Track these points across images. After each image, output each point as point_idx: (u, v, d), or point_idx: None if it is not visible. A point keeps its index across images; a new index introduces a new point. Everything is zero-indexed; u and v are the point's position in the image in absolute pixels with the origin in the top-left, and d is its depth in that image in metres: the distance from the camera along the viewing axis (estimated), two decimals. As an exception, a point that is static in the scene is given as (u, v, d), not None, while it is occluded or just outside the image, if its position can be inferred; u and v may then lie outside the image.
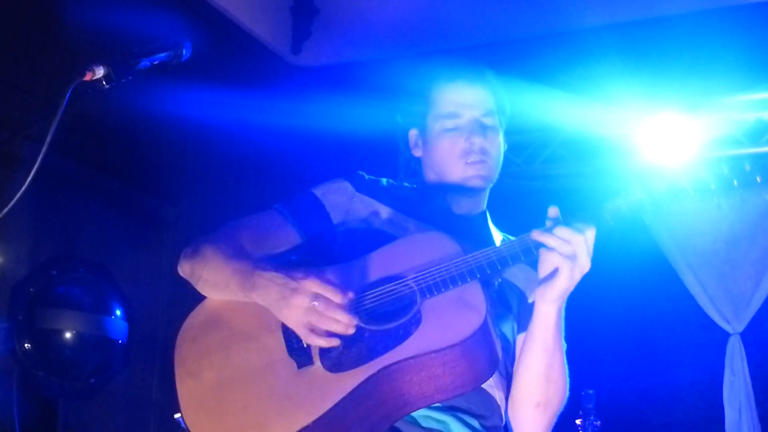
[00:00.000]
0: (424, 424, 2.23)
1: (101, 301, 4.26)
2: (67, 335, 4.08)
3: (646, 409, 5.96)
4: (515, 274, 2.43)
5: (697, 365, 5.88)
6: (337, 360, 2.15)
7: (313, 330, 2.14)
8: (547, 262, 2.20)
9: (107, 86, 2.04)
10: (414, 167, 2.66)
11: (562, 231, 2.15)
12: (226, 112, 5.75)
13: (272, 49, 6.41)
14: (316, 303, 2.12)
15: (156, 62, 2.16)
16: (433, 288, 2.16)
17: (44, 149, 1.93)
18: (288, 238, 2.46)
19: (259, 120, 5.88)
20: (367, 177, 2.58)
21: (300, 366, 2.18)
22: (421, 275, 2.18)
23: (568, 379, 2.37)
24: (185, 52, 2.21)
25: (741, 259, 5.71)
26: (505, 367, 2.36)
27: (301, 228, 2.46)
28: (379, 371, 2.10)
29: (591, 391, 5.00)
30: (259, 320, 2.25)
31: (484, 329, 2.10)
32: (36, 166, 1.93)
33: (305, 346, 2.19)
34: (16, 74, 4.29)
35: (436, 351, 2.08)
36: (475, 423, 2.29)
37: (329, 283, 2.14)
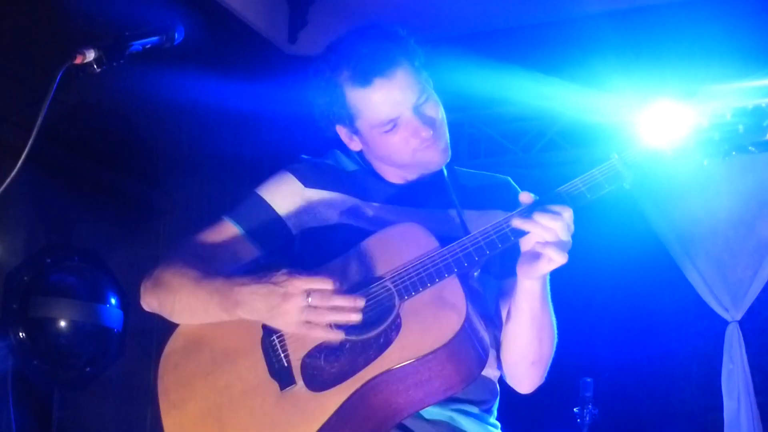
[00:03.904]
0: (428, 417, 2.18)
1: (96, 289, 4.24)
2: (62, 324, 4.06)
3: (644, 398, 5.95)
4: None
5: (695, 353, 5.87)
6: (319, 377, 2.08)
7: (314, 327, 2.05)
8: (529, 244, 2.12)
9: (98, 70, 2.00)
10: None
11: (541, 217, 2.06)
12: (221, 100, 5.73)
13: (268, 37, 6.38)
14: (310, 299, 2.03)
15: (148, 46, 2.12)
16: (411, 288, 2.08)
17: (34, 134, 1.90)
18: (245, 249, 2.37)
19: (255, 109, 5.86)
20: (311, 163, 2.46)
21: (283, 387, 2.10)
22: (398, 275, 2.11)
23: (555, 329, 2.31)
24: (177, 36, 2.17)
25: (739, 248, 5.71)
26: (494, 338, 2.31)
27: (255, 237, 2.37)
28: (362, 386, 2.03)
29: (589, 380, 5.00)
30: (238, 339, 2.18)
31: (465, 329, 2.02)
32: (26, 151, 1.90)
33: (286, 365, 2.13)
34: (4, 58, 4.26)
35: (418, 359, 2.00)
36: (475, 410, 2.26)
37: (315, 274, 2.06)
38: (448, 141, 2.40)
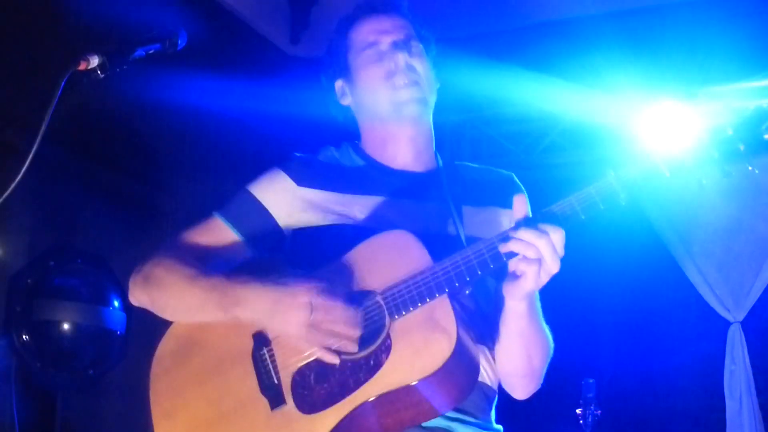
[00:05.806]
0: (424, 424, 2.15)
1: (99, 292, 4.25)
2: (65, 326, 4.07)
3: (647, 399, 5.96)
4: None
5: (697, 354, 5.87)
6: (309, 397, 2.07)
7: (313, 343, 2.06)
8: (515, 264, 2.07)
9: (102, 76, 2.01)
10: (350, 128, 2.53)
11: (525, 234, 2.01)
12: (224, 102, 5.74)
13: (270, 39, 6.39)
14: (312, 316, 2.03)
15: (151, 51, 2.12)
16: (402, 307, 2.05)
17: (38, 139, 1.91)
18: (236, 247, 2.34)
19: (257, 110, 5.87)
20: (304, 159, 2.43)
21: (273, 406, 2.09)
22: (389, 291, 2.07)
23: (550, 341, 2.28)
24: (180, 42, 2.17)
25: (741, 248, 5.71)
26: (492, 339, 2.27)
27: (246, 236, 2.34)
28: (354, 409, 2.02)
29: (591, 381, 5.01)
30: (228, 347, 2.18)
31: (456, 353, 1.99)
32: (30, 156, 1.91)
33: (276, 381, 2.11)
34: (10, 64, 4.27)
35: (409, 384, 1.99)
36: (471, 419, 2.23)
37: (325, 292, 2.05)
38: (428, 99, 2.41)
